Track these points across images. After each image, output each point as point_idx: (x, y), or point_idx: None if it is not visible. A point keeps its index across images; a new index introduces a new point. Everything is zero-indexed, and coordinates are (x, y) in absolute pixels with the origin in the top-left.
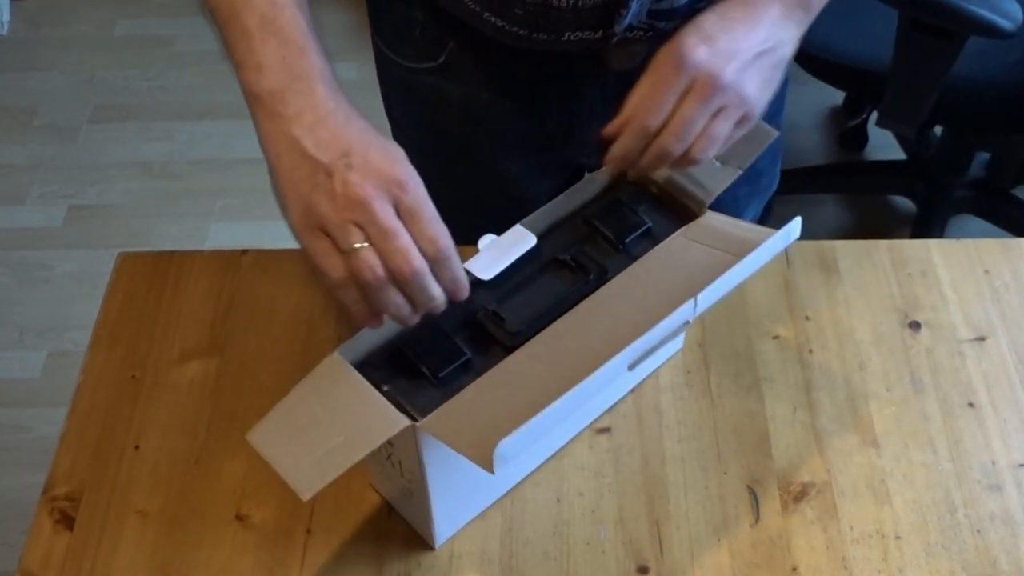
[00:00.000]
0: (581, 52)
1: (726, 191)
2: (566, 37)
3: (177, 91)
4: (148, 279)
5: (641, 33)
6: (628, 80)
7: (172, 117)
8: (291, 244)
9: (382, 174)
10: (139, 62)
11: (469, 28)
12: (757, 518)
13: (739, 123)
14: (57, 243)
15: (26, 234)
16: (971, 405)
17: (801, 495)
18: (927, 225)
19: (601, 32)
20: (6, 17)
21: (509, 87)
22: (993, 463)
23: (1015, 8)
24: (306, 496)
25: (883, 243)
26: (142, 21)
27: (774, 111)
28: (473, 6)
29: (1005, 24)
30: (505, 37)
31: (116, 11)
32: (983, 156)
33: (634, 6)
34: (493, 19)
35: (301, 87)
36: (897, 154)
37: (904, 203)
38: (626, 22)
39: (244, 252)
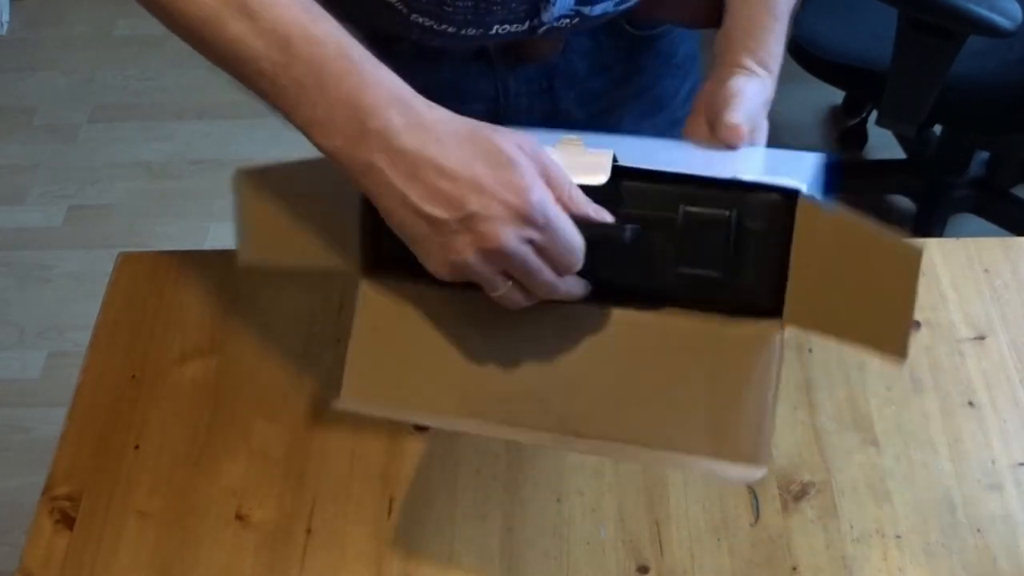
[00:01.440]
0: (503, 48)
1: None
2: (494, 31)
3: (177, 91)
4: (148, 279)
5: (568, 21)
6: (552, 71)
7: (172, 117)
8: None
9: (508, 209)
10: (139, 62)
11: (390, 39)
12: (757, 517)
13: None
14: (57, 243)
15: (26, 234)
16: (971, 404)
17: (801, 494)
18: (927, 224)
19: (528, 23)
20: (6, 17)
21: (434, 94)
22: (993, 462)
23: (1015, 7)
24: None
25: None
26: (142, 21)
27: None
28: (401, 7)
29: (1005, 23)
30: (432, 38)
31: (116, 11)
32: (983, 155)
33: None
34: (421, 20)
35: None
36: (897, 153)
37: (904, 202)
38: (555, 12)
39: None
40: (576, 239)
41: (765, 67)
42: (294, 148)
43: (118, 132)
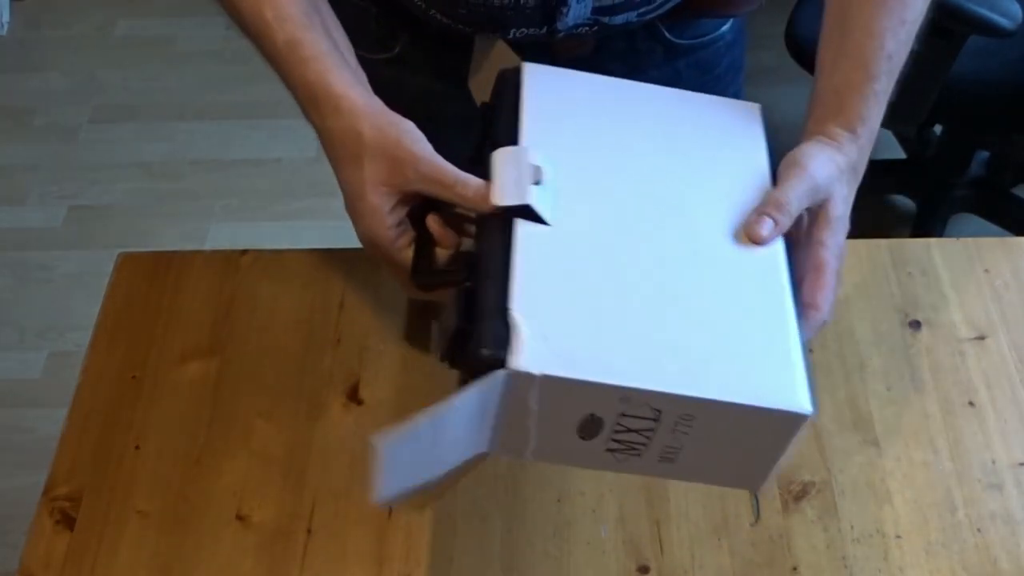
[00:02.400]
0: (530, 44)
1: None
2: (511, 35)
3: (177, 91)
4: (148, 279)
5: (587, 28)
6: (579, 67)
7: (172, 117)
8: (291, 244)
9: (361, 238)
10: (139, 62)
11: (419, 21)
12: (757, 517)
13: None
14: (57, 243)
15: (26, 234)
16: (971, 404)
17: (801, 494)
18: (927, 224)
19: (546, 28)
20: (6, 17)
21: (461, 79)
22: (993, 462)
23: (1015, 7)
24: None
25: (883, 242)
26: (142, 21)
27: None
28: (420, 2)
29: (1005, 23)
30: (452, 33)
31: (116, 11)
32: (983, 155)
33: (575, 6)
34: (439, 17)
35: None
36: (897, 153)
37: (904, 202)
38: (569, 21)
39: (244, 252)
40: (398, 265)
41: (851, 130)
42: (293, 149)
43: (118, 132)
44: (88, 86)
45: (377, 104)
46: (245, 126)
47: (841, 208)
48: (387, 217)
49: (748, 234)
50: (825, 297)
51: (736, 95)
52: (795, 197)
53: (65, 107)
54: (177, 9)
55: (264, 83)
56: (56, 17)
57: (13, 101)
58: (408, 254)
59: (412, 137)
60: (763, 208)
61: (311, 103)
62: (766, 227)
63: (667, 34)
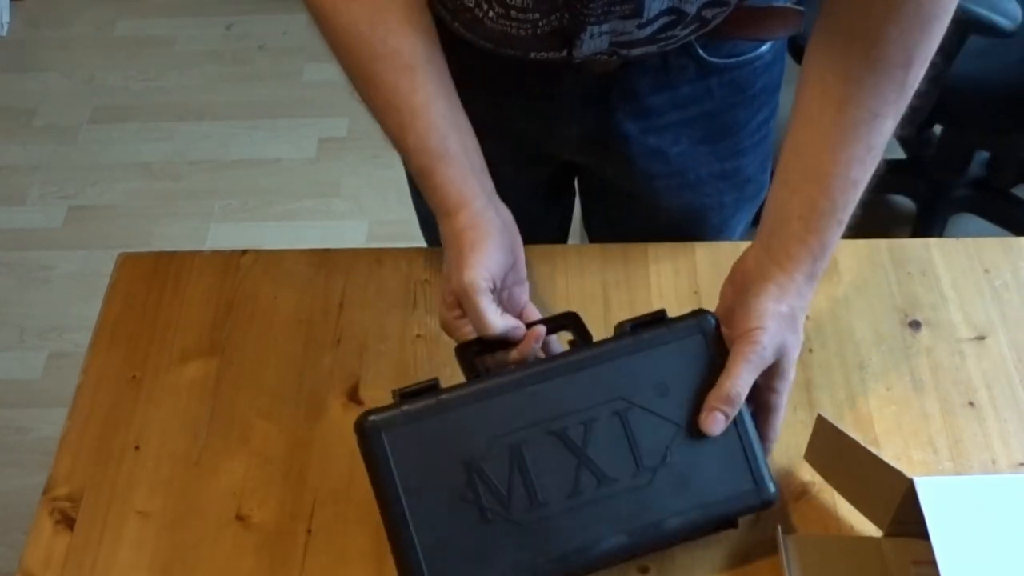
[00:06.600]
0: (552, 63)
1: (709, 195)
2: (531, 56)
3: (177, 91)
4: (148, 280)
5: (606, 57)
6: (609, 82)
7: (172, 117)
8: (291, 244)
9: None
10: (139, 62)
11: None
12: (758, 518)
13: None
14: (57, 243)
15: (26, 234)
16: (971, 404)
17: (801, 494)
18: (927, 224)
19: (566, 52)
20: (6, 18)
21: (486, 84)
22: (993, 462)
23: (1015, 7)
24: None
25: (883, 242)
26: (142, 21)
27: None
28: (444, 14)
29: (1005, 23)
30: (476, 46)
31: (116, 11)
32: (983, 155)
33: (588, 41)
34: (462, 31)
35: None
36: (897, 153)
37: (904, 202)
38: (585, 51)
39: (244, 252)
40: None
41: (810, 274)
42: (293, 149)
43: (118, 132)
44: (88, 86)
45: (480, 219)
46: (245, 126)
47: (792, 357)
48: (448, 308)
49: (701, 427)
50: (775, 430)
51: (769, 117)
52: (745, 384)
53: (65, 107)
54: (177, 9)
55: (264, 83)
56: (56, 17)
57: (13, 101)
58: (464, 332)
59: (475, 260)
60: (714, 403)
61: (435, 211)
62: (718, 424)
63: (701, 52)
